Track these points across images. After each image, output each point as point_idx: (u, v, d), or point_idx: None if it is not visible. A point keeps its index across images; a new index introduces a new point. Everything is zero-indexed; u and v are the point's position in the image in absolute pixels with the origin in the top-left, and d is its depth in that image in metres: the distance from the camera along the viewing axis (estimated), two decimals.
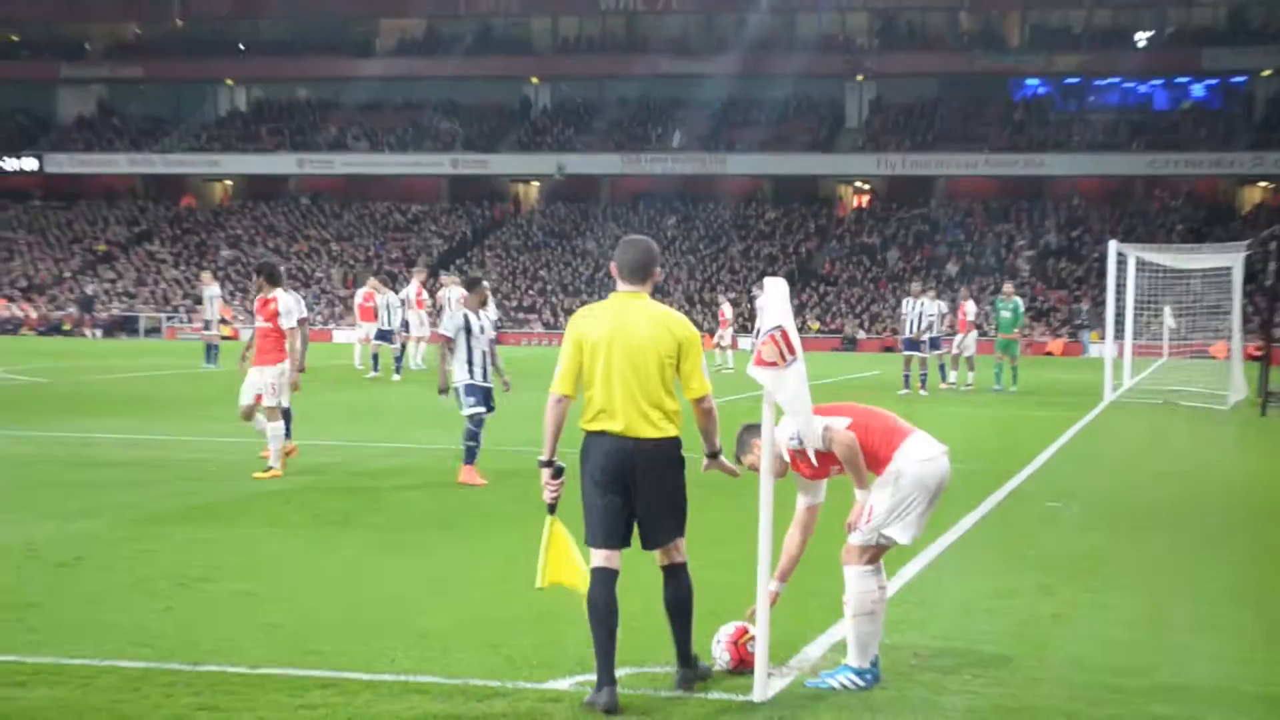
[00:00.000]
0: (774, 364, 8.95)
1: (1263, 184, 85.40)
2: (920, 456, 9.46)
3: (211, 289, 44.95)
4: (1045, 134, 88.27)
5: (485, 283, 19.45)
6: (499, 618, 11.06)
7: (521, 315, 79.25)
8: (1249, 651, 10.66)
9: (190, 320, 78.39)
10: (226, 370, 37.50)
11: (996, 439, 26.40)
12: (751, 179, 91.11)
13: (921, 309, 37.61)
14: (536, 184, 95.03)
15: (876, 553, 9.49)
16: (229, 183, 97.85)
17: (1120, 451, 25.22)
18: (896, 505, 9.38)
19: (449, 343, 18.90)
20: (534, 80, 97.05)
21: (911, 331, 37.73)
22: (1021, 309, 41.90)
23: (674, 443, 9.01)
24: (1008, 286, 44.04)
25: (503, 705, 8.77)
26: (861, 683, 9.25)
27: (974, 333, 40.14)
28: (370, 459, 21.71)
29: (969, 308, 40.11)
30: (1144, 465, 23.13)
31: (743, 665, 9.39)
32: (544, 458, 9.04)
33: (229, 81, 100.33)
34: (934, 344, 38.21)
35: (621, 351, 8.89)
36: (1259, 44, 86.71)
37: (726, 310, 49.61)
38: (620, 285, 9.16)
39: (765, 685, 9.04)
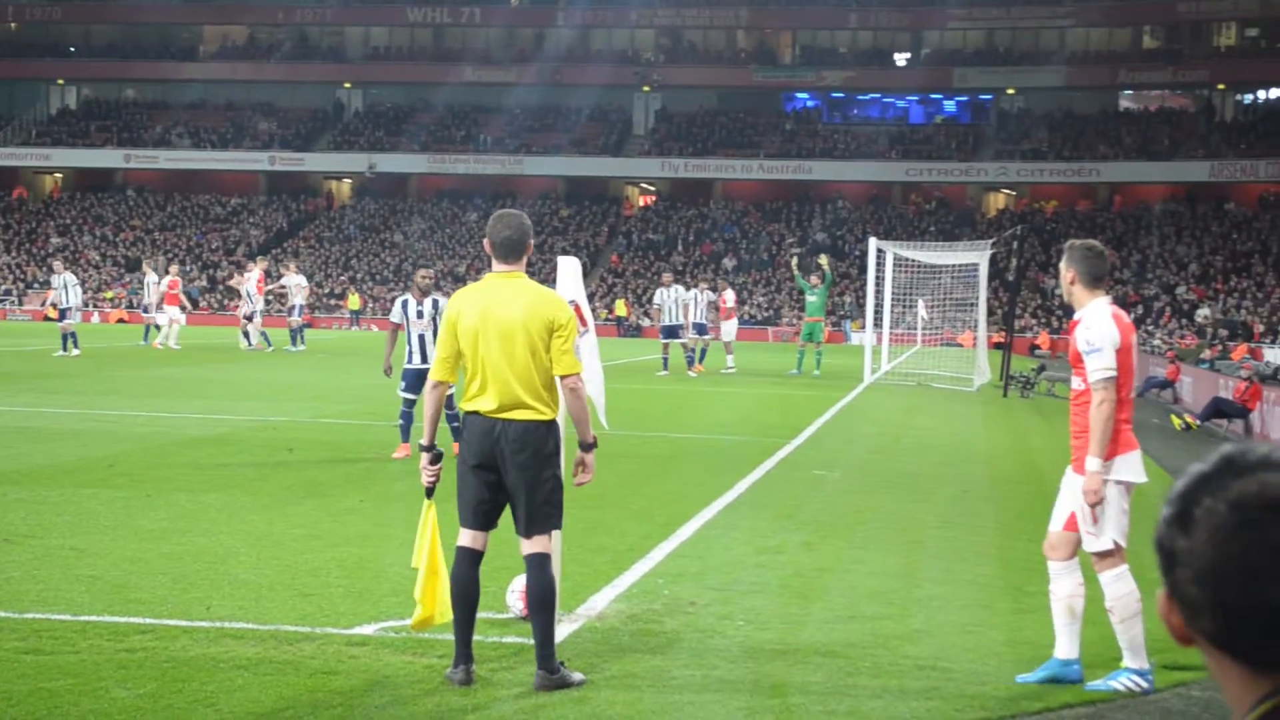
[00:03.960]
0: None
1: (1005, 191, 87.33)
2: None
3: (296, 278, 46.74)
4: (813, 143, 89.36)
5: (420, 271, 18.91)
6: (310, 570, 10.94)
7: (333, 302, 78.56)
8: (992, 600, 10.84)
9: (22, 303, 76.75)
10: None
11: (767, 415, 26.62)
12: (548, 179, 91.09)
13: (677, 296, 37.39)
14: (349, 181, 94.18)
15: (1120, 554, 8.64)
16: (59, 175, 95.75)
17: (878, 426, 25.54)
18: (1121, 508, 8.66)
19: (395, 328, 18.55)
20: (347, 85, 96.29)
21: (669, 319, 37.50)
22: (824, 296, 39.36)
23: (545, 426, 8.24)
24: (814, 278, 39.67)
25: (311, 649, 8.66)
26: (1144, 683, 8.47)
27: (734, 320, 40.07)
28: (191, 428, 21.34)
29: (728, 296, 40.18)
30: (899, 438, 23.47)
31: None
32: (423, 442, 8.38)
33: (60, 81, 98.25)
34: (699, 329, 37.91)
35: (492, 332, 8.16)
36: (1004, 65, 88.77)
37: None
38: (495, 265, 8.54)
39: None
